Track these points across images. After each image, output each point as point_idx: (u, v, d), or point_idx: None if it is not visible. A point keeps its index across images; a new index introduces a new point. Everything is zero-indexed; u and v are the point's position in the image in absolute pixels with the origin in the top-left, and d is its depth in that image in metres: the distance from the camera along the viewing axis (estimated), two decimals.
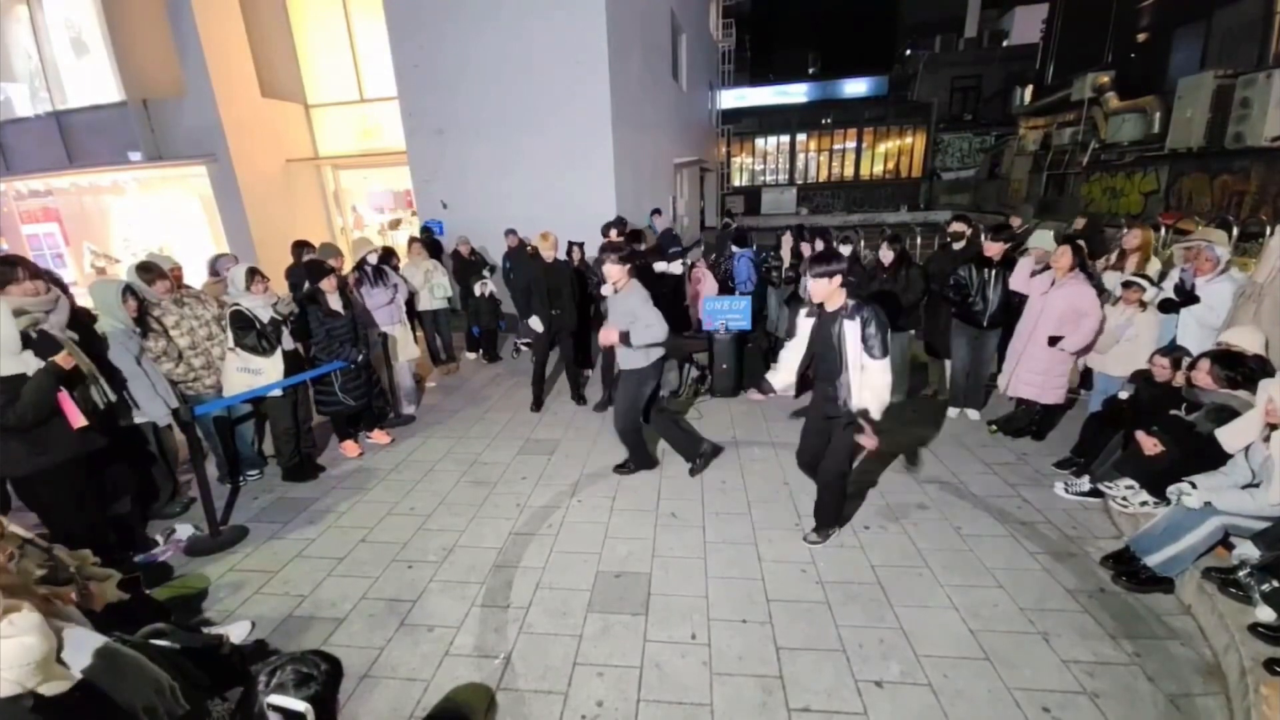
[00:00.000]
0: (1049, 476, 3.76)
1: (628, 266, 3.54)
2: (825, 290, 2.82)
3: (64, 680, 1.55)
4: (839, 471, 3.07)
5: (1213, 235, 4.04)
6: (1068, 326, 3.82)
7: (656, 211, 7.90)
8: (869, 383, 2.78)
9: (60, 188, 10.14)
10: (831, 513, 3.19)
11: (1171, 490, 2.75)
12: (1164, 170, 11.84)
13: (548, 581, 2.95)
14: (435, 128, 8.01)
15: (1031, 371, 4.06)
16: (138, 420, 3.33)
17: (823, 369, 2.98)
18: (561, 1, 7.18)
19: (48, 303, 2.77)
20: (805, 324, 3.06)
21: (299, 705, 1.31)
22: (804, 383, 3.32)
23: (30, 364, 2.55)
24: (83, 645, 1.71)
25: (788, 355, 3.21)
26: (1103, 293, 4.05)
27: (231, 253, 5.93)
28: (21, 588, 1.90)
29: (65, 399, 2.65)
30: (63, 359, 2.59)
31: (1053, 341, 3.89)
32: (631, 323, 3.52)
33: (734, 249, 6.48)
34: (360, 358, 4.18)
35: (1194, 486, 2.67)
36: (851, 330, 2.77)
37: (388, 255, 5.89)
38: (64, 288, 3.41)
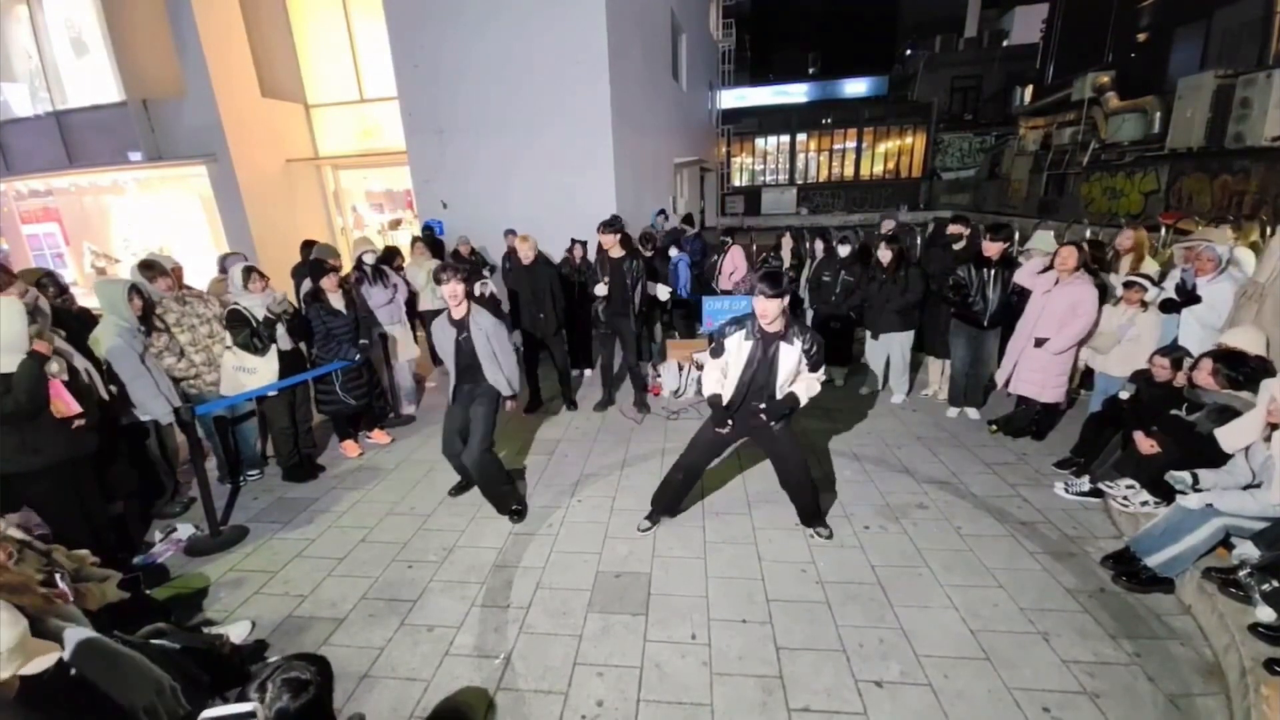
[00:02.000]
0: (1049, 476, 3.76)
1: (463, 287, 3.29)
2: (776, 310, 2.74)
3: (47, 654, 1.54)
4: (804, 466, 3.14)
5: (1213, 234, 4.04)
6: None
7: (662, 212, 7.93)
8: (804, 385, 2.89)
9: (60, 188, 10.14)
10: (816, 505, 3.25)
11: (1173, 477, 2.75)
12: (1164, 170, 11.83)
13: (548, 581, 2.95)
14: (435, 128, 8.00)
15: (1032, 370, 4.06)
16: (142, 418, 3.34)
17: (753, 390, 2.96)
18: (561, 1, 7.18)
19: (28, 303, 2.82)
20: (742, 346, 2.87)
21: (244, 708, 1.29)
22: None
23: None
24: None
25: (716, 375, 3.00)
26: (1105, 294, 4.05)
27: (239, 252, 5.92)
28: (23, 587, 1.91)
29: (58, 386, 2.67)
30: (39, 345, 2.63)
31: (1039, 343, 3.93)
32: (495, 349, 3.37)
33: (671, 252, 6.36)
34: (358, 357, 4.18)
35: (1196, 480, 2.67)
36: (789, 352, 2.81)
37: (391, 255, 5.89)
38: (64, 288, 3.42)
